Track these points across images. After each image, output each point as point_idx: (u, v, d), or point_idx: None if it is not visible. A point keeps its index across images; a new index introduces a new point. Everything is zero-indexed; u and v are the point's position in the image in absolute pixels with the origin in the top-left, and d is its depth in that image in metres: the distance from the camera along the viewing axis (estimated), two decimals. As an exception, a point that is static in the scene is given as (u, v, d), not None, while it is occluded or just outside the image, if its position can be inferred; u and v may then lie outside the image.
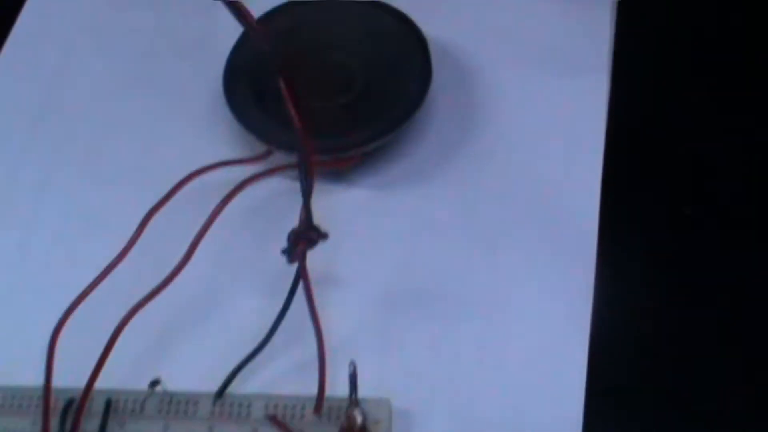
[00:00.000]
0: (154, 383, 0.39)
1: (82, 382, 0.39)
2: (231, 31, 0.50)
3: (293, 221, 0.39)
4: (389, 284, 0.44)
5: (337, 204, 0.45)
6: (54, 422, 0.38)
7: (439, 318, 0.42)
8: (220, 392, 0.39)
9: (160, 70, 0.51)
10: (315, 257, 0.40)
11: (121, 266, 0.41)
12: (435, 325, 0.42)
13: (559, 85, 0.49)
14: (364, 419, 0.37)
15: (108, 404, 0.39)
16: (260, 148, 0.46)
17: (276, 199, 0.45)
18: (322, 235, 0.38)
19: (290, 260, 0.38)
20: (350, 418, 0.37)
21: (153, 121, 0.49)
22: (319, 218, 0.44)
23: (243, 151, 0.47)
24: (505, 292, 0.43)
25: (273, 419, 0.39)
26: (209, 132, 0.48)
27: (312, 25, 0.49)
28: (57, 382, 0.39)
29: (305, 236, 0.38)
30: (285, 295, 0.40)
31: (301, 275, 0.38)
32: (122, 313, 0.39)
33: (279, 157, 0.46)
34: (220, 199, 0.42)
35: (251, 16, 0.37)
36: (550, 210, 0.45)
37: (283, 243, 0.39)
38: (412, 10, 0.49)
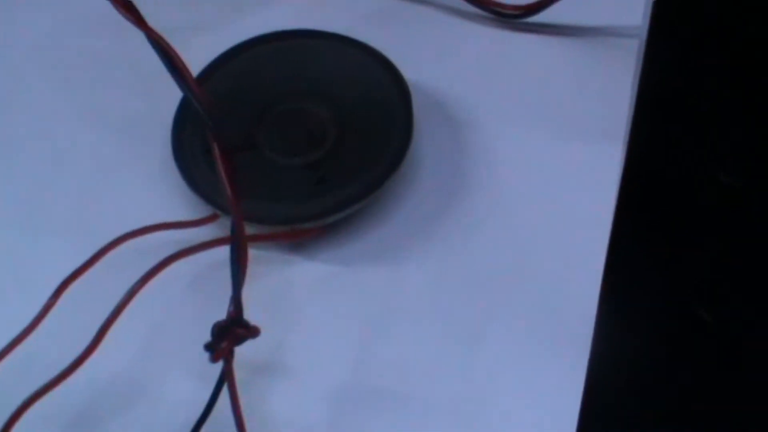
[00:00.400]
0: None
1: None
2: (196, 62, 0.44)
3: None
4: (345, 379, 0.37)
5: (291, 277, 0.39)
6: None
7: (403, 424, 0.36)
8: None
9: (114, 104, 0.45)
10: (259, 340, 0.34)
11: (30, 338, 0.36)
12: (397, 432, 0.36)
13: (565, 151, 0.42)
14: None
15: None
16: (208, 209, 0.40)
17: (218, 272, 0.39)
18: (251, 332, 0.32)
19: (213, 359, 0.32)
20: None
21: (97, 164, 0.43)
22: (268, 293, 0.38)
23: (190, 209, 0.41)
24: (483, 395, 0.37)
25: None
26: (157, 184, 0.42)
27: (280, 66, 0.43)
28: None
29: (231, 332, 0.32)
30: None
31: (226, 378, 0.32)
32: (24, 396, 0.34)
33: (227, 223, 0.39)
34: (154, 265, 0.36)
35: (187, 72, 0.31)
36: (542, 298, 0.39)
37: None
38: (396, 54, 0.43)
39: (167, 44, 0.32)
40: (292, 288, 0.39)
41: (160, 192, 0.41)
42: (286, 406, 0.36)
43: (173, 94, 0.43)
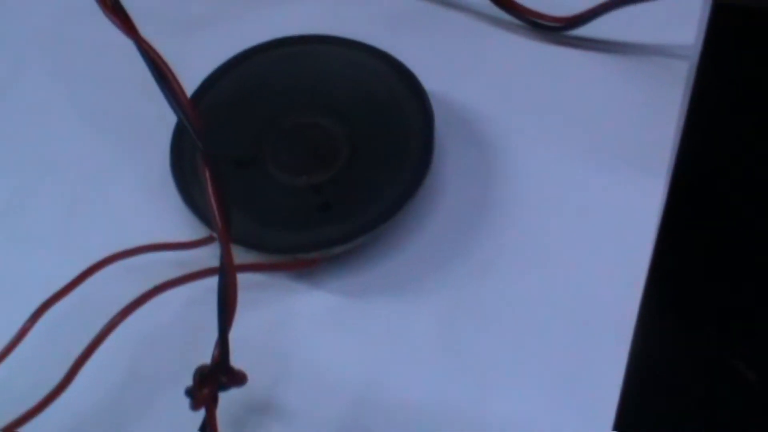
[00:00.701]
0: None
1: None
2: (210, 60, 0.41)
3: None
4: (346, 421, 0.34)
5: (292, 306, 0.36)
6: None
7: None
8: None
9: (116, 103, 0.42)
10: (255, 377, 0.31)
11: (2, 365, 0.33)
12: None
13: (601, 180, 0.38)
14: None
15: None
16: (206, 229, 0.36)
17: (211, 298, 0.35)
18: (236, 379, 0.29)
19: (194, 406, 0.29)
20: None
21: (92, 170, 0.40)
22: (266, 323, 0.36)
23: (188, 227, 0.37)
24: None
25: None
26: (153, 196, 0.39)
27: (290, 74, 0.39)
28: None
29: (214, 379, 0.29)
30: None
31: (207, 427, 0.29)
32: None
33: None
34: (143, 290, 0.33)
35: (178, 86, 0.28)
36: (568, 343, 0.35)
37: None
38: (419, 63, 0.39)
39: (158, 55, 0.29)
40: (292, 319, 0.36)
41: (156, 206, 0.38)
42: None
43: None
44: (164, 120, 0.40)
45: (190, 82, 0.40)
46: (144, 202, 0.38)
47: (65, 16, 0.44)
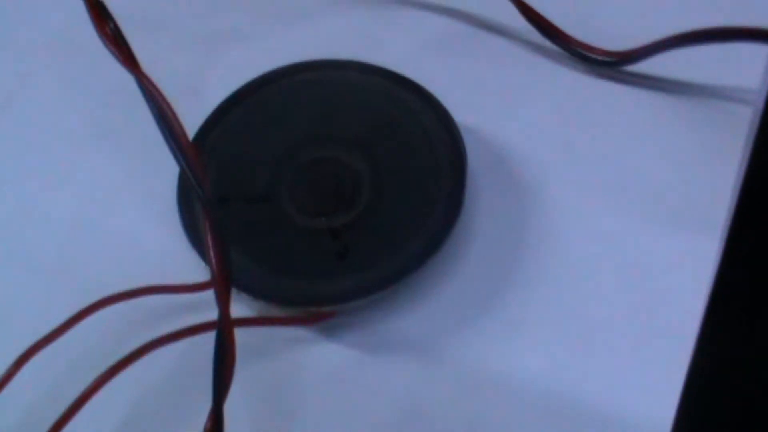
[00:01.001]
0: None
1: None
2: (230, 78, 0.38)
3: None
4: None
5: (301, 361, 0.33)
6: None
7: None
8: None
9: (129, 121, 0.38)
10: None
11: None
12: None
13: (649, 237, 0.34)
14: None
15: None
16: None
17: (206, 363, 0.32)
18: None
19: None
20: None
21: (96, 196, 0.37)
22: (270, 376, 0.32)
23: (193, 266, 0.34)
24: None
25: None
26: (158, 229, 0.35)
27: (311, 102, 0.36)
28: None
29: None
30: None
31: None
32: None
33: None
34: (140, 338, 0.30)
35: (179, 126, 0.25)
36: (603, 425, 0.31)
37: None
38: (454, 93, 0.36)
39: (159, 93, 0.26)
40: (299, 374, 0.33)
41: (161, 241, 0.35)
42: None
43: (199, 114, 0.37)
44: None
45: (204, 103, 0.37)
46: (148, 235, 0.35)
47: (75, 23, 0.41)
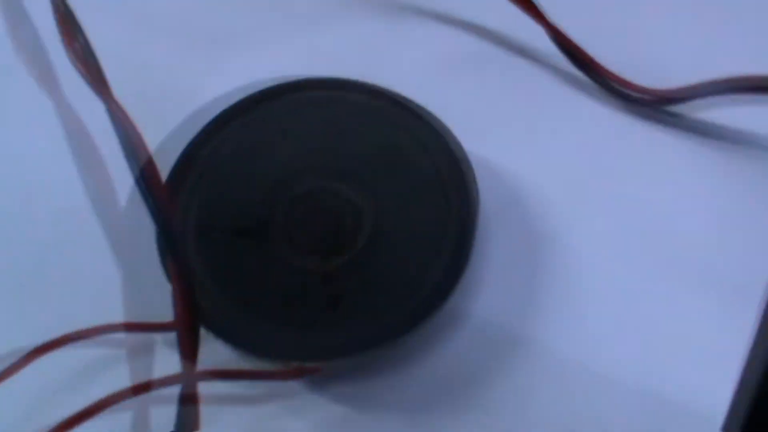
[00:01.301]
0: None
1: None
2: (229, 86, 0.34)
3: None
4: None
5: (281, 415, 0.29)
6: None
7: None
8: None
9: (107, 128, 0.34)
10: None
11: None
12: None
13: (679, 301, 0.31)
14: None
15: None
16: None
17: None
18: None
19: None
20: None
21: (65, 210, 0.32)
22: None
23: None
24: None
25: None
26: (134, 260, 0.31)
27: (308, 127, 0.32)
28: None
29: None
30: None
31: None
32: None
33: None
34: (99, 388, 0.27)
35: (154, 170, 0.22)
36: None
37: None
38: (469, 122, 0.32)
39: (131, 125, 0.23)
40: (278, 429, 0.29)
41: (135, 270, 0.31)
42: None
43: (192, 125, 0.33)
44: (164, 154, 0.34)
45: (199, 112, 0.34)
46: (121, 263, 0.31)
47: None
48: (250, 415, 0.29)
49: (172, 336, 0.29)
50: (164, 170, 0.31)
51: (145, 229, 0.30)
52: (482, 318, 0.31)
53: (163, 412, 0.27)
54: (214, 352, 0.29)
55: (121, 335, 0.29)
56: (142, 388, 0.27)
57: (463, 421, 0.29)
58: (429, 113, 0.32)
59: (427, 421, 0.29)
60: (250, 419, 0.29)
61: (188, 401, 0.24)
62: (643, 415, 0.29)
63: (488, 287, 0.31)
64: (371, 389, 0.30)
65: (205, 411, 0.28)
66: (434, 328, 0.30)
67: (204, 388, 0.29)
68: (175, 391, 0.27)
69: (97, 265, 0.31)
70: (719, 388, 0.27)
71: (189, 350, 0.23)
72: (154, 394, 0.27)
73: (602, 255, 0.32)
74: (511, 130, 0.34)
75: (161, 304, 0.29)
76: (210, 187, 0.31)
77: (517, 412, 0.29)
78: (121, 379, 0.28)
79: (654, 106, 0.33)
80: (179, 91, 0.35)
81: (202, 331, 0.29)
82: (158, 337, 0.30)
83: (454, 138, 0.32)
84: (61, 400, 0.28)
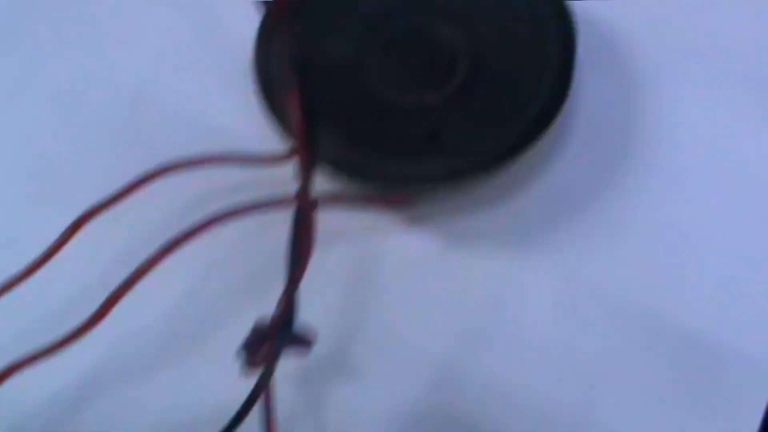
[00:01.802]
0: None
1: None
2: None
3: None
4: (429, 402, 0.28)
5: (381, 249, 0.30)
6: None
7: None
8: None
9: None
10: (325, 333, 0.26)
11: (33, 279, 0.28)
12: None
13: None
14: None
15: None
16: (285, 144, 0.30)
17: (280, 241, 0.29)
18: (302, 341, 0.23)
19: (245, 369, 0.23)
20: None
21: (166, 55, 0.33)
22: (347, 265, 0.30)
23: (268, 137, 0.30)
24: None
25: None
26: (232, 95, 0.32)
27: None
28: None
29: (274, 338, 0.23)
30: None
31: (258, 393, 0.23)
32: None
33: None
34: (203, 211, 0.28)
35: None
36: (704, 337, 0.28)
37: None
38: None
39: None
40: (378, 262, 0.30)
41: (233, 105, 0.31)
42: (348, 420, 0.28)
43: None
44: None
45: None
46: (219, 98, 0.32)
47: None
48: (351, 247, 0.30)
49: (269, 175, 0.30)
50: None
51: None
52: (576, 156, 0.31)
53: (272, 235, 0.28)
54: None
55: (223, 169, 0.30)
56: (256, 207, 0.27)
57: (556, 255, 0.29)
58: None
59: (520, 255, 0.30)
60: (351, 252, 0.30)
61: (302, 225, 0.24)
62: (730, 266, 0.29)
63: (583, 127, 0.31)
64: (465, 225, 0.30)
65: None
66: (529, 163, 0.31)
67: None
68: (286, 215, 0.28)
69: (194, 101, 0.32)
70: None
71: (307, 170, 0.23)
72: (266, 217, 0.28)
73: (697, 98, 0.31)
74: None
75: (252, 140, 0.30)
76: (304, 25, 0.31)
77: (609, 247, 0.30)
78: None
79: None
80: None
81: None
82: (256, 174, 0.30)
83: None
84: (172, 222, 0.28)
